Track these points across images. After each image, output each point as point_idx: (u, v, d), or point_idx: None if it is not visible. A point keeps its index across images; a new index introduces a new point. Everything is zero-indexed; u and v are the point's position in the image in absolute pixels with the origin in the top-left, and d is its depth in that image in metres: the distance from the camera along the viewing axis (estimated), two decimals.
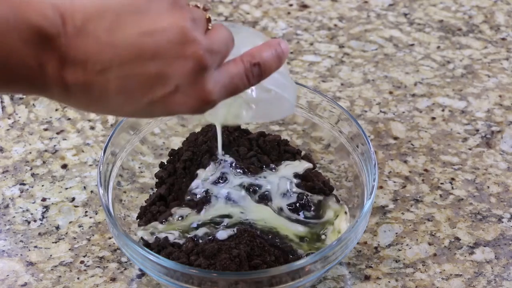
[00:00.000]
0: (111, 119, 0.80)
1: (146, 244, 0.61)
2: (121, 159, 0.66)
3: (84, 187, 0.72)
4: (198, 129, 0.72)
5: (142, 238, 0.62)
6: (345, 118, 0.67)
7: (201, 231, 0.61)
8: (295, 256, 0.59)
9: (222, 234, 0.60)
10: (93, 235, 0.67)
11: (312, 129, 0.72)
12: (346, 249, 0.57)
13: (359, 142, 0.65)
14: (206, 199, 0.63)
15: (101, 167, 0.61)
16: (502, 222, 0.68)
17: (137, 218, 0.65)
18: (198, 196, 0.64)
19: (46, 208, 0.70)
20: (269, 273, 0.54)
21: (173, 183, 0.67)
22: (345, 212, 0.65)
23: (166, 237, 0.61)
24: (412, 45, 0.91)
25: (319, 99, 0.69)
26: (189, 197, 0.64)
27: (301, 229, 0.62)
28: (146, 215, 0.65)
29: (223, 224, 0.61)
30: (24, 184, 0.72)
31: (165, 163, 0.69)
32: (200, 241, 0.60)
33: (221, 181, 0.64)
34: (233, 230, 0.60)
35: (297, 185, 0.65)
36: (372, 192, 0.59)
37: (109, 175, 0.63)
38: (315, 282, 0.62)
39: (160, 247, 0.60)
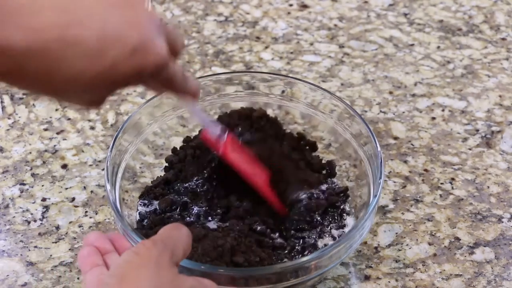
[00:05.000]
0: (111, 119, 0.80)
1: (142, 220, 0.64)
2: (125, 160, 0.66)
3: (84, 187, 0.72)
4: (198, 129, 0.72)
5: (139, 213, 0.64)
6: (349, 115, 0.66)
7: (195, 217, 0.63)
8: (284, 254, 0.59)
9: (213, 224, 0.61)
10: None
11: (313, 128, 0.72)
12: (350, 248, 0.57)
13: (363, 140, 0.65)
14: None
15: (108, 162, 0.61)
16: (502, 222, 0.68)
17: (139, 198, 0.67)
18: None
19: (46, 208, 0.70)
20: (271, 270, 0.54)
21: (181, 169, 0.68)
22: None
23: (162, 217, 0.63)
24: (412, 45, 0.91)
25: (321, 96, 0.69)
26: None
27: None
28: (149, 195, 0.66)
29: (217, 215, 0.62)
30: (24, 184, 0.72)
31: (178, 149, 0.71)
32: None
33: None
34: (227, 223, 0.61)
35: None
36: (379, 189, 0.58)
37: (116, 171, 0.64)
38: (315, 282, 0.62)
39: (153, 224, 0.62)
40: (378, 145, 0.62)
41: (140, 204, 0.66)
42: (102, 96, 0.45)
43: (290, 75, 0.85)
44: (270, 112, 0.76)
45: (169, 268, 0.46)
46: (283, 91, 0.71)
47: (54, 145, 0.76)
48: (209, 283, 0.48)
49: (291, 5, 0.98)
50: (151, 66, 0.44)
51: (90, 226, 0.68)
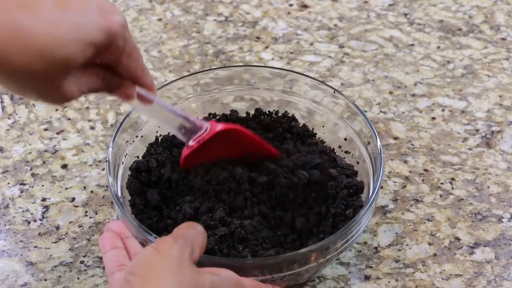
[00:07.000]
0: (111, 119, 0.80)
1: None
2: (124, 161, 0.66)
3: (84, 187, 0.72)
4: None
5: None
6: (349, 114, 0.66)
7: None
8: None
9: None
10: (93, 235, 0.67)
11: (314, 127, 0.72)
12: (346, 242, 0.57)
13: (365, 139, 0.65)
14: None
15: (110, 155, 0.61)
16: (502, 222, 0.68)
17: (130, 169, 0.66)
18: None
19: (46, 208, 0.70)
20: (269, 259, 0.54)
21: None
22: None
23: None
24: (412, 45, 0.91)
25: (323, 94, 0.69)
26: None
27: None
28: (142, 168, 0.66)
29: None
30: (24, 184, 0.72)
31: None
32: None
33: None
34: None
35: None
36: (377, 185, 0.58)
37: (118, 163, 0.64)
38: (314, 277, 0.62)
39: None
40: (379, 144, 0.62)
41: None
42: (74, 81, 0.45)
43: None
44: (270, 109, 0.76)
45: (190, 266, 0.46)
46: (283, 90, 0.71)
47: (54, 145, 0.76)
48: (226, 273, 0.49)
49: (291, 5, 0.98)
50: (118, 25, 0.45)
51: (90, 226, 0.68)
